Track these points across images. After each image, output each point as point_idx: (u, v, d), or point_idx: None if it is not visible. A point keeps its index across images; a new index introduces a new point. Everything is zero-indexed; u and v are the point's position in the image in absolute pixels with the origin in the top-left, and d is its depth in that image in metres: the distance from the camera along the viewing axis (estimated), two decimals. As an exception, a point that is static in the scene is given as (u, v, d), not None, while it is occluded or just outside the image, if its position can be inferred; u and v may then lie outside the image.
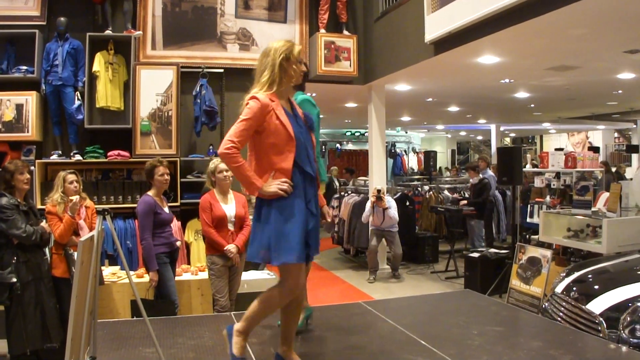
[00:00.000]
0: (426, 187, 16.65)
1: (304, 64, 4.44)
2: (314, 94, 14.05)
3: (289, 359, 4.39)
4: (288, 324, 4.40)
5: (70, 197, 6.64)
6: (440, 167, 28.49)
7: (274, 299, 4.20)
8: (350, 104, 17.02)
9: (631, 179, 11.87)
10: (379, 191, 11.69)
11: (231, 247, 6.83)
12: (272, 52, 4.25)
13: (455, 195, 15.54)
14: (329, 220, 4.86)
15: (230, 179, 7.05)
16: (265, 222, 4.12)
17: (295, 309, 4.40)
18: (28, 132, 9.49)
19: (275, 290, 4.21)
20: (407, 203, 13.92)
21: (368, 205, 12.15)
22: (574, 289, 6.43)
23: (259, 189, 4.06)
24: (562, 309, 6.33)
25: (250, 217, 6.83)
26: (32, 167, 8.67)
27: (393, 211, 11.88)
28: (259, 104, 4.07)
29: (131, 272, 7.34)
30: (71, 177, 6.83)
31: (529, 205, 11.80)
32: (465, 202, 13.29)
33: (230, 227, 6.92)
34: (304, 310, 5.03)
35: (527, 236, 10.96)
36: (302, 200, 4.13)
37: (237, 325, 4.25)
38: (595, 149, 22.20)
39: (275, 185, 4.03)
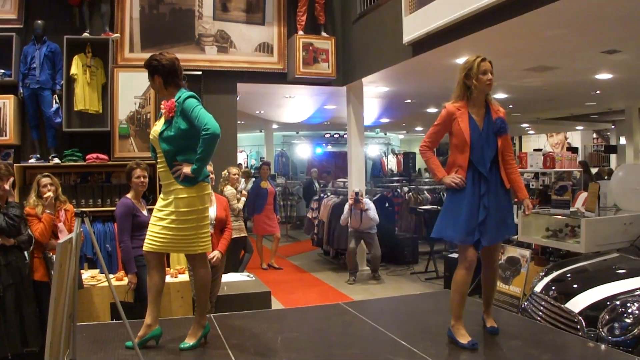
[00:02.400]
0: (405, 189, 16.65)
1: (489, 72, 5.07)
2: (292, 96, 14.07)
3: (485, 320, 5.44)
4: (485, 291, 5.51)
5: (45, 196, 6.59)
6: (419, 169, 28.54)
7: (458, 278, 5.07)
8: (329, 106, 17.02)
9: (609, 179, 11.94)
10: (356, 193, 11.68)
11: (216, 254, 6.82)
12: (459, 71, 5.16)
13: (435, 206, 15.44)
14: (528, 213, 5.28)
15: (212, 181, 7.04)
16: (445, 204, 5.26)
17: (489, 279, 5.53)
18: (6, 135, 9.45)
19: (456, 271, 5.10)
20: (387, 204, 13.92)
21: (346, 207, 12.13)
22: (553, 288, 6.48)
23: (440, 179, 5.11)
24: (542, 308, 6.37)
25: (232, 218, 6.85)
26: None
27: (372, 212, 11.87)
28: (445, 112, 5.07)
29: (110, 275, 7.30)
30: (45, 180, 6.75)
31: (508, 206, 11.80)
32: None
33: (210, 229, 6.89)
34: (203, 328, 5.07)
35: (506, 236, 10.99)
36: (472, 194, 4.96)
37: (452, 322, 5.07)
38: (574, 150, 22.30)
39: (450, 178, 5.00)
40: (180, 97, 4.81)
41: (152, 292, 4.98)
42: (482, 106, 5.10)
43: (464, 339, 4.93)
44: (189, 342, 4.90)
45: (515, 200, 5.60)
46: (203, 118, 4.64)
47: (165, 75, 4.91)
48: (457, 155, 5.05)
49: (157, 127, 4.92)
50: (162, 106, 4.89)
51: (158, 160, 4.95)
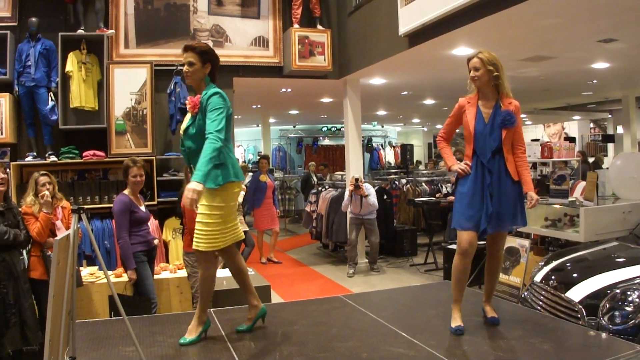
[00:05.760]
0: (403, 181, 16.65)
1: (472, 69, 5.22)
2: (289, 90, 14.04)
3: (485, 311, 5.47)
4: (486, 281, 5.58)
5: (41, 194, 6.56)
6: (417, 161, 28.55)
7: (454, 263, 5.24)
8: (326, 99, 16.98)
9: (607, 168, 11.93)
10: (356, 180, 11.68)
11: None
12: None
13: (438, 194, 15.39)
14: (531, 205, 5.28)
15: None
16: (455, 197, 5.48)
17: (492, 268, 5.52)
18: (2, 134, 9.42)
19: (454, 257, 5.24)
20: (385, 197, 13.92)
21: (346, 194, 12.14)
22: (553, 277, 6.48)
23: (449, 167, 5.38)
24: (542, 297, 6.38)
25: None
26: (7, 170, 8.59)
27: (372, 198, 11.90)
28: (457, 105, 5.34)
29: (109, 272, 7.30)
30: (43, 179, 6.72)
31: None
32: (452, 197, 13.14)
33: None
34: (259, 310, 5.22)
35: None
36: (475, 182, 5.13)
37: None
38: (572, 140, 22.29)
39: (457, 165, 5.25)
40: (207, 92, 4.79)
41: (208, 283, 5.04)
42: (492, 99, 5.23)
43: (454, 322, 5.13)
44: (189, 337, 4.89)
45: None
46: (213, 123, 4.60)
47: (214, 69, 4.97)
48: (466, 145, 5.26)
49: (184, 122, 4.95)
50: (187, 101, 4.86)
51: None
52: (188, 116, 4.90)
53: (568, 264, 6.79)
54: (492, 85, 5.18)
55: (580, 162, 14.21)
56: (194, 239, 4.82)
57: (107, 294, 7.07)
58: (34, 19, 9.48)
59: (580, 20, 8.25)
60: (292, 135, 27.72)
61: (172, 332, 5.18)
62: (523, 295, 7.08)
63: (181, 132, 4.94)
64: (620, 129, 22.09)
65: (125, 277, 6.98)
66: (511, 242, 8.88)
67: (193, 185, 4.32)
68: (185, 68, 4.91)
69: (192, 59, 4.87)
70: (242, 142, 28.96)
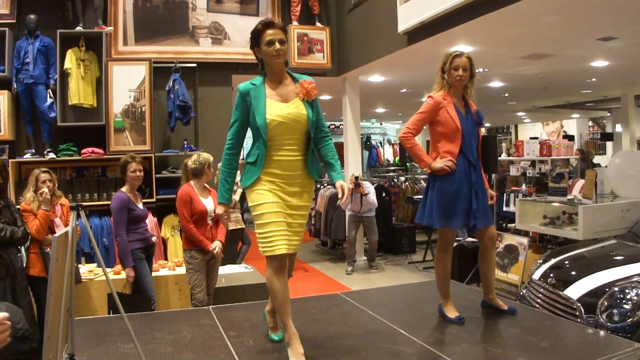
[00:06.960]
0: (402, 178, 16.65)
1: (461, 68, 5.14)
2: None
3: (494, 304, 5.45)
4: (484, 275, 5.46)
5: (40, 191, 6.56)
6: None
7: (437, 259, 5.37)
8: (325, 96, 16.96)
9: (606, 166, 11.94)
10: (356, 178, 11.68)
11: (218, 244, 6.83)
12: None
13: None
14: (493, 201, 5.47)
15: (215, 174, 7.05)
16: (431, 191, 5.16)
17: (490, 260, 5.38)
18: (0, 131, 9.41)
19: (438, 254, 5.35)
20: (384, 194, 13.91)
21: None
22: (551, 275, 6.48)
23: (427, 165, 5.11)
24: (540, 295, 6.37)
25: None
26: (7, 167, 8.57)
27: (372, 197, 11.90)
28: (432, 101, 5.15)
29: (108, 269, 7.30)
30: (44, 176, 6.73)
31: (505, 194, 11.78)
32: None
33: (209, 221, 6.87)
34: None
35: (504, 224, 10.98)
36: (463, 180, 5.06)
37: (440, 300, 5.37)
38: (570, 138, 22.30)
39: (442, 162, 5.03)
40: (307, 78, 4.58)
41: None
42: (460, 98, 5.29)
43: (452, 313, 5.24)
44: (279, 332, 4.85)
45: None
46: (324, 121, 4.69)
47: None
48: (444, 143, 5.15)
49: (294, 108, 4.41)
50: (304, 84, 4.48)
51: (290, 147, 4.42)
52: (295, 103, 4.44)
53: (566, 262, 6.79)
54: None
55: (579, 160, 14.20)
56: (298, 238, 4.75)
57: (105, 291, 7.06)
58: (32, 16, 9.48)
59: (580, 18, 8.26)
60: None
61: (170, 329, 5.17)
62: (521, 293, 7.07)
63: (289, 119, 4.35)
64: (619, 127, 22.13)
65: (123, 275, 6.97)
66: (510, 240, 8.88)
67: (345, 184, 4.55)
68: (279, 46, 4.37)
69: (284, 37, 4.45)
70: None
